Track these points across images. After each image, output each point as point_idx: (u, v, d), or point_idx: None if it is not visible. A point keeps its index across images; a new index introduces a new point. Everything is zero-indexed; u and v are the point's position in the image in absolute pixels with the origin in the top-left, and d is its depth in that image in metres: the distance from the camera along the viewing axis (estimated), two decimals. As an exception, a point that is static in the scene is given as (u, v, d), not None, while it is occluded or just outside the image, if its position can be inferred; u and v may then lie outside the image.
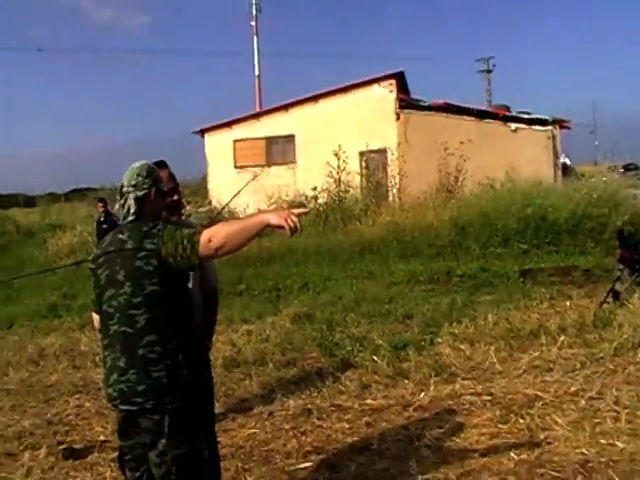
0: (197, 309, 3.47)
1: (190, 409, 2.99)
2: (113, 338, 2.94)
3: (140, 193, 3.02)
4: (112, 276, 2.94)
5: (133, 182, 3.03)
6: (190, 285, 3.35)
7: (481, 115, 21.45)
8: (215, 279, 3.88)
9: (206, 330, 3.76)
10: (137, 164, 3.10)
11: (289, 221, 2.69)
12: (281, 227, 2.70)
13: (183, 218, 3.74)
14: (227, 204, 12.90)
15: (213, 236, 2.76)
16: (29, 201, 35.36)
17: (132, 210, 3.01)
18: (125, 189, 3.05)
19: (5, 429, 5.60)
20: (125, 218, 3.03)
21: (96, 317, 3.20)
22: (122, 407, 2.94)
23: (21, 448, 5.14)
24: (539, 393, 5.29)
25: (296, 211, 2.77)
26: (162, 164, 3.48)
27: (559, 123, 21.74)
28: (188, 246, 2.78)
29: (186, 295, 3.08)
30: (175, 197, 3.54)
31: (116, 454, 4.66)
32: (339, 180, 18.80)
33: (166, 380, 2.87)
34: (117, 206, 3.06)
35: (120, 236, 2.97)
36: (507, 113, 22.22)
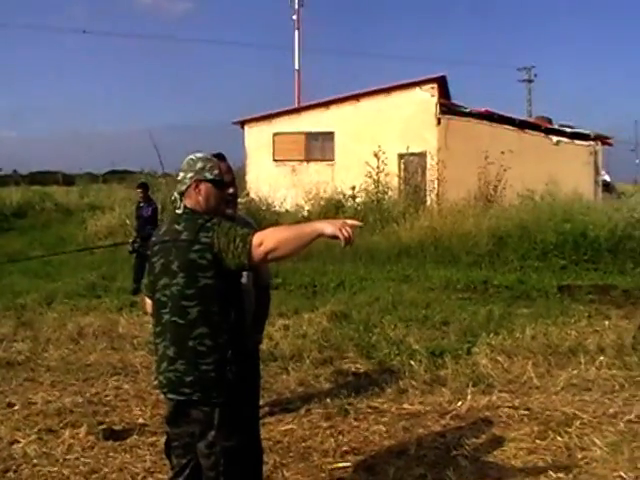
0: (249, 304, 3.51)
1: (239, 403, 3.03)
2: (164, 327, 2.97)
3: (197, 184, 3.03)
4: (166, 265, 2.96)
5: (190, 174, 3.04)
6: (244, 280, 3.38)
7: (522, 126, 21.32)
8: (269, 275, 3.93)
9: (257, 324, 3.79)
10: (194, 155, 3.10)
11: (344, 232, 2.69)
12: (335, 237, 2.71)
13: (238, 213, 3.75)
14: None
15: (264, 240, 2.76)
16: (68, 179, 35.83)
17: (187, 201, 3.04)
18: (181, 178, 3.07)
19: (45, 405, 5.69)
20: (182, 207, 3.04)
21: (148, 302, 3.22)
22: (170, 396, 2.99)
23: (61, 425, 5.21)
24: (577, 412, 5.25)
25: (350, 222, 2.77)
26: (221, 156, 3.48)
27: (601, 139, 21.57)
28: (240, 245, 2.79)
29: (239, 291, 3.09)
30: (231, 190, 3.53)
31: (154, 438, 4.82)
32: (378, 181, 18.82)
33: (214, 374, 2.90)
34: (175, 194, 3.08)
35: (176, 226, 2.99)
36: (549, 125, 22.06)
